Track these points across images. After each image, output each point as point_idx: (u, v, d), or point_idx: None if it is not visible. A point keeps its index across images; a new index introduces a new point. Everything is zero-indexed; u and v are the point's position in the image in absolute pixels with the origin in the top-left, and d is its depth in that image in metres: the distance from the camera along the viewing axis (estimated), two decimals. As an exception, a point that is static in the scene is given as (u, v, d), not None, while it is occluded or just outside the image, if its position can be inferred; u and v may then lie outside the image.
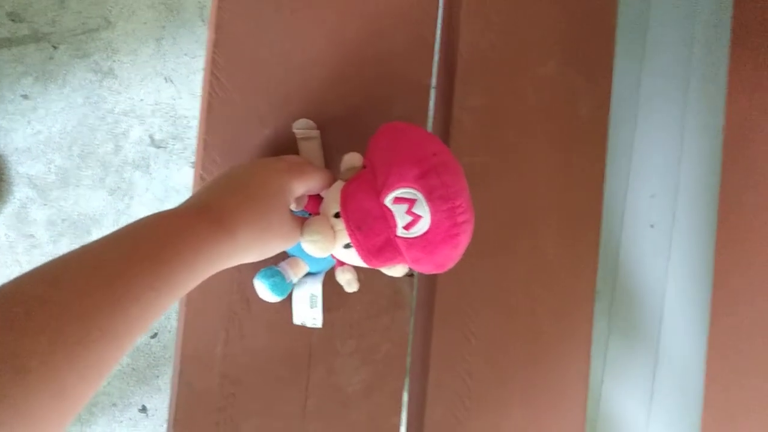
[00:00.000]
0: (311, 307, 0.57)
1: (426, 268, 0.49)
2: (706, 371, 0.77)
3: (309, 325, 0.57)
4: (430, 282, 0.65)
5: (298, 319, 0.57)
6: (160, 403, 1.32)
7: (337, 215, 0.48)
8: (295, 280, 0.54)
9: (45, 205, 1.31)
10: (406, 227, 0.46)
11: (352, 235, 0.47)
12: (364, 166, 0.50)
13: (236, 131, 0.56)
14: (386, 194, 0.46)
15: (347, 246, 0.49)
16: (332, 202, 0.49)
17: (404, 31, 0.61)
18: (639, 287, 1.10)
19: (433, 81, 0.64)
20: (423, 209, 0.45)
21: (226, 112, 0.56)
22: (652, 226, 1.12)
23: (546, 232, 0.71)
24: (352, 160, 0.50)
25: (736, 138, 0.76)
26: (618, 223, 1.14)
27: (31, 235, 1.30)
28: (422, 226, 0.46)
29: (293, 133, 0.57)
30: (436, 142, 0.49)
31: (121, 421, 1.31)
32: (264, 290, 0.52)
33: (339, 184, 0.50)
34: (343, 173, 0.50)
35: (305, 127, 0.58)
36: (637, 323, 1.09)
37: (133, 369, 1.31)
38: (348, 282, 0.54)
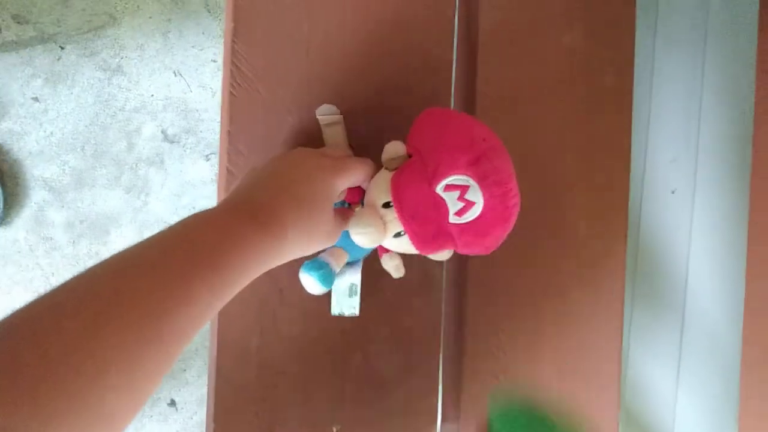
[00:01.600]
0: (350, 296, 0.57)
1: (475, 251, 0.50)
2: (743, 332, 0.76)
3: (347, 314, 0.57)
4: (459, 263, 0.64)
5: (336, 309, 0.57)
6: (189, 396, 1.33)
7: (385, 205, 0.48)
8: (337, 270, 0.54)
9: (62, 207, 1.31)
10: (458, 213, 0.46)
11: (406, 224, 0.46)
12: (408, 155, 0.49)
13: (259, 120, 0.55)
14: (438, 182, 0.46)
15: (397, 235, 0.48)
16: (380, 192, 0.48)
17: (423, 5, 0.60)
18: (662, 253, 1.09)
19: (455, 55, 0.63)
20: (476, 195, 0.46)
21: (248, 102, 0.55)
22: (673, 191, 1.11)
23: (574, 206, 0.70)
24: (395, 149, 0.49)
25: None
26: (638, 189, 1.13)
27: (50, 238, 1.31)
28: (475, 211, 0.46)
29: (317, 119, 0.56)
30: (483, 128, 0.49)
31: (151, 416, 1.32)
32: (313, 283, 0.51)
33: (384, 174, 0.49)
34: (387, 162, 0.50)
35: (328, 112, 0.57)
36: (662, 289, 1.09)
37: (161, 364, 1.32)
38: (396, 267, 0.54)
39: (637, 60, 0.75)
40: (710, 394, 1.01)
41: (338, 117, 0.57)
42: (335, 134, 0.57)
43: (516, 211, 0.49)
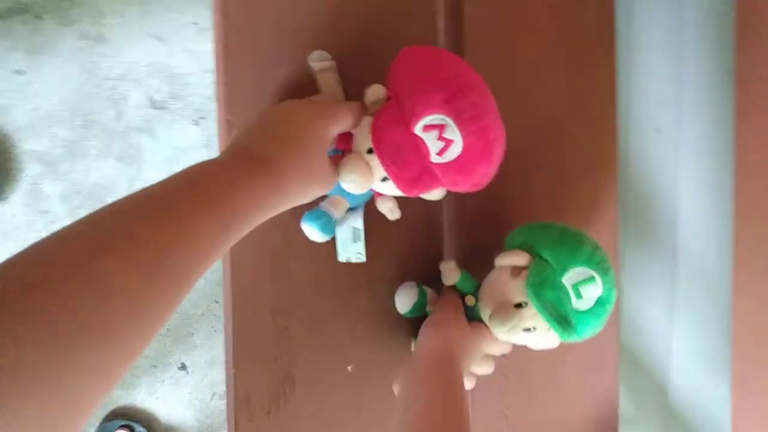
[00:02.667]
0: (354, 241, 0.58)
1: (463, 188, 0.50)
2: (734, 262, 0.78)
3: (354, 260, 0.59)
4: (458, 201, 0.65)
5: (342, 255, 0.59)
6: (198, 359, 1.36)
7: (370, 151, 0.49)
8: (338, 217, 0.55)
9: (56, 179, 1.31)
10: (440, 153, 0.46)
11: (387, 169, 0.47)
12: (388, 98, 0.50)
13: (254, 70, 0.55)
14: (415, 123, 0.46)
15: (385, 179, 0.49)
16: (363, 138, 0.49)
17: (410, -53, 0.60)
18: (651, 192, 1.11)
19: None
20: (454, 133, 0.46)
21: (241, 52, 0.55)
22: (658, 131, 1.12)
23: (566, 143, 0.71)
24: (375, 92, 0.50)
25: (748, 23, 0.75)
26: (625, 130, 1.14)
27: (47, 211, 1.31)
28: (455, 149, 0.46)
29: (309, 66, 0.56)
30: (458, 62, 0.49)
31: (163, 381, 1.35)
32: (314, 232, 0.53)
33: (367, 120, 0.50)
34: (369, 107, 0.50)
35: (320, 59, 0.57)
36: (653, 227, 1.11)
37: (168, 329, 1.34)
38: (390, 210, 0.55)
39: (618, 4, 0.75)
40: (704, 327, 1.04)
41: (330, 63, 0.57)
42: (328, 80, 0.57)
43: (499, 145, 0.49)
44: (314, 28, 0.57)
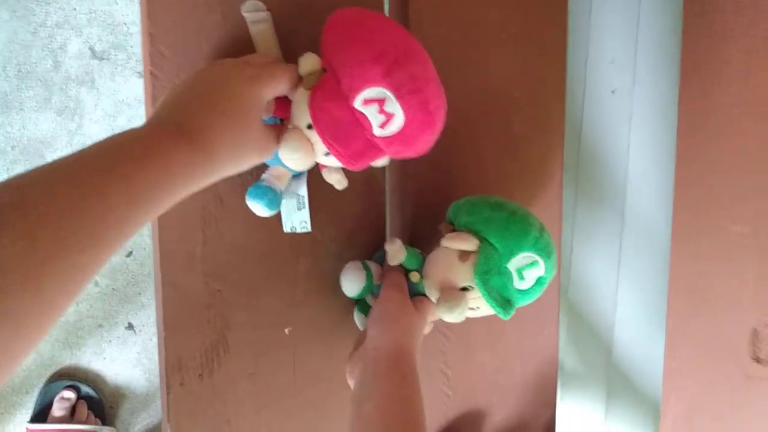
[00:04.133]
0: (299, 209, 0.57)
1: (407, 156, 0.50)
2: (673, 225, 0.80)
3: (299, 229, 0.58)
4: (403, 167, 0.64)
5: (287, 225, 0.58)
6: (146, 319, 1.34)
7: (310, 126, 0.47)
8: (282, 188, 0.54)
9: (-10, 133, 1.24)
10: (382, 126, 0.46)
11: (330, 147, 0.46)
12: (323, 69, 0.48)
13: (182, 19, 0.52)
14: (354, 97, 0.45)
15: (328, 153, 0.48)
16: (302, 113, 0.47)
17: None
18: (603, 153, 1.12)
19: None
20: (394, 106, 0.45)
21: (169, 1, 0.52)
22: (613, 91, 1.12)
23: (512, 105, 0.70)
24: (309, 63, 0.48)
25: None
26: (580, 90, 1.13)
27: (-18, 166, 1.25)
28: (397, 122, 0.45)
29: (242, 17, 0.54)
30: (394, 28, 0.47)
31: (110, 341, 1.32)
32: (260, 209, 0.52)
33: (304, 93, 0.48)
34: (305, 80, 0.48)
35: (254, 9, 0.54)
36: (603, 189, 1.12)
37: (113, 289, 1.30)
38: (338, 181, 0.54)
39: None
40: (646, 286, 1.07)
41: (265, 14, 0.54)
42: (263, 33, 0.54)
43: (441, 113, 0.48)
44: (248, -24, 0.54)
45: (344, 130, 0.46)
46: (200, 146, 0.40)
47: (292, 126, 0.49)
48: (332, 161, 0.50)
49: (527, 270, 0.54)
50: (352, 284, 0.58)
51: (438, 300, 0.54)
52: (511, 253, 0.53)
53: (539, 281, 0.55)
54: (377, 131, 0.46)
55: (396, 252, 0.57)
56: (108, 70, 1.28)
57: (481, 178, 0.68)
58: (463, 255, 0.54)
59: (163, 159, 0.37)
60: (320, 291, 0.61)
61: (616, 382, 1.18)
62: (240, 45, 0.54)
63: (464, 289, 0.54)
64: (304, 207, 0.57)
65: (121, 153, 0.36)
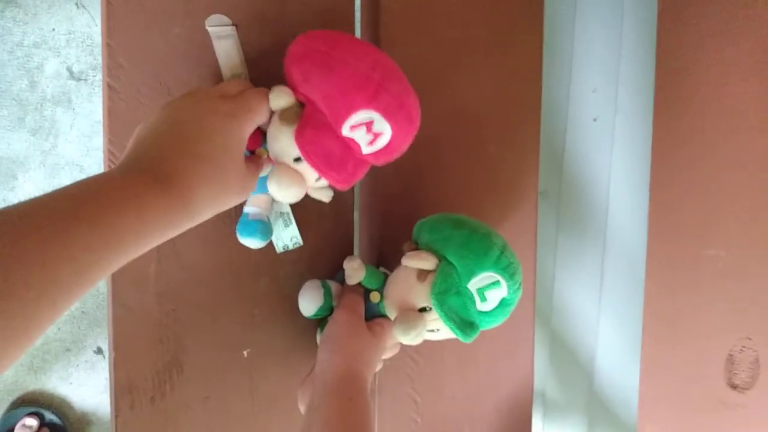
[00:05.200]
0: (286, 227, 0.57)
1: (387, 162, 0.50)
2: (647, 252, 0.79)
3: (291, 246, 0.57)
4: (372, 183, 0.63)
5: (279, 245, 0.57)
6: (118, 344, 1.30)
7: (297, 159, 0.47)
8: (268, 215, 0.54)
9: (-39, 151, 1.22)
10: (370, 144, 0.47)
11: (326, 176, 0.47)
12: (299, 101, 0.48)
13: (142, 31, 0.51)
14: (341, 126, 0.46)
15: (318, 179, 0.49)
16: (286, 148, 0.47)
17: None
18: (585, 182, 1.12)
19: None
20: (382, 125, 0.46)
21: (129, 11, 0.51)
22: (594, 119, 1.13)
23: (487, 126, 0.70)
24: (284, 99, 0.47)
25: (669, 24, 0.75)
26: (562, 118, 1.14)
27: (-49, 185, 1.22)
28: (385, 138, 0.47)
29: (206, 31, 0.53)
30: (370, 52, 0.47)
31: (77, 365, 1.28)
32: (256, 243, 0.52)
33: (281, 128, 0.47)
34: (282, 115, 0.47)
35: (220, 23, 0.53)
36: (585, 217, 1.12)
37: (83, 312, 1.27)
38: (326, 195, 0.53)
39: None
40: (627, 317, 1.06)
41: (230, 29, 0.54)
42: (227, 48, 0.54)
43: (418, 113, 0.49)
44: (212, -10, 0.53)
45: (337, 158, 0.46)
46: (176, 193, 0.38)
47: (277, 162, 0.48)
48: (321, 183, 0.50)
49: (489, 291, 0.52)
50: (309, 303, 0.56)
51: (394, 320, 0.52)
52: (471, 273, 0.52)
53: (503, 303, 0.53)
54: (366, 149, 0.47)
55: (354, 270, 0.55)
56: (85, 91, 1.26)
57: (453, 199, 0.67)
58: (422, 274, 0.53)
59: (133, 206, 0.35)
60: (280, 312, 0.59)
61: (598, 411, 1.16)
62: (204, 59, 0.53)
63: (423, 309, 0.52)
64: (291, 223, 0.57)
65: (87, 198, 0.34)
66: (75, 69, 1.26)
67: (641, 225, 1.01)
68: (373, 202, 0.64)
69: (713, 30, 0.72)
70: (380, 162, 0.49)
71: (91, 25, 1.26)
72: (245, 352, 0.57)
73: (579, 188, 1.11)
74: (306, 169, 0.48)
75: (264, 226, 0.52)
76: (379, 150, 0.48)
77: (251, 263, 0.57)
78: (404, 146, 0.49)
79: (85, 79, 1.27)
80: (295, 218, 0.57)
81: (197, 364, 0.55)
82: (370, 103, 0.45)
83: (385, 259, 0.64)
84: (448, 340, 0.56)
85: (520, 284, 0.55)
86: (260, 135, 0.49)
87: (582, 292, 1.14)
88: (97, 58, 1.27)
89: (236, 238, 0.55)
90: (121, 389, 0.52)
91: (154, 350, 0.53)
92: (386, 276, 0.58)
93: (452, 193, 0.68)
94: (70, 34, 1.26)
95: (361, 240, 0.65)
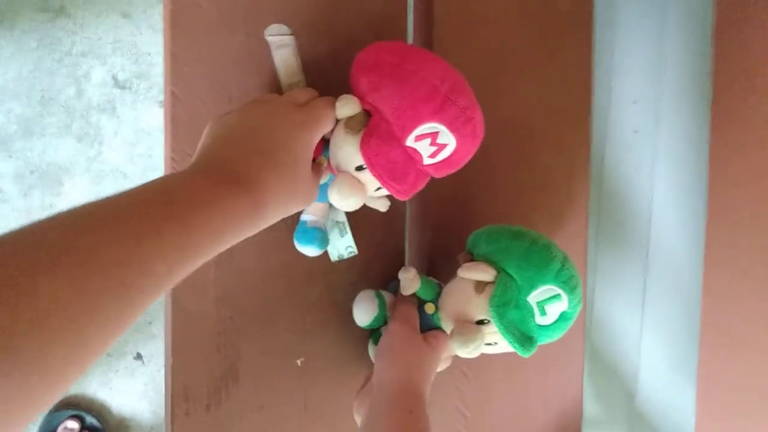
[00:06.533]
0: (341, 236, 0.56)
1: (447, 173, 0.50)
2: (704, 266, 0.77)
3: (346, 256, 0.57)
4: (423, 193, 0.62)
5: (334, 254, 0.57)
6: (155, 349, 1.31)
7: (358, 168, 0.47)
8: (325, 222, 0.54)
9: (10, 157, 1.25)
10: (432, 155, 0.47)
11: (389, 187, 0.47)
12: (365, 111, 0.48)
13: (204, 40, 0.52)
14: (407, 137, 0.46)
15: (378, 188, 0.49)
16: (349, 156, 0.47)
17: None
18: (626, 193, 1.10)
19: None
20: (447, 137, 0.46)
21: (192, 19, 0.51)
22: (635, 131, 1.11)
23: (537, 136, 0.69)
24: (351, 107, 0.47)
25: (727, 25, 0.73)
26: (602, 129, 1.12)
27: (0, 190, 1.25)
28: (448, 150, 0.47)
29: (266, 40, 0.53)
30: (438, 65, 0.47)
31: (117, 371, 1.30)
32: (314, 251, 0.53)
33: (345, 136, 0.47)
34: (348, 124, 0.47)
35: (278, 32, 0.54)
36: (626, 229, 1.09)
37: (124, 317, 1.29)
38: (383, 205, 0.54)
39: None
40: (674, 332, 1.04)
41: (289, 38, 0.54)
42: (286, 56, 0.54)
43: (482, 128, 0.49)
44: (272, -2, 0.53)
45: (400, 169, 0.46)
46: (253, 197, 0.38)
47: (339, 170, 0.48)
48: (380, 192, 0.50)
49: (549, 304, 0.51)
50: (363, 314, 0.55)
51: (452, 333, 0.51)
52: (532, 286, 0.51)
53: (563, 316, 0.52)
54: (427, 161, 0.47)
55: (410, 281, 0.55)
56: (129, 99, 1.29)
57: (503, 208, 0.66)
58: (479, 286, 0.52)
59: (219, 208, 0.36)
60: (332, 320, 0.58)
61: (640, 429, 1.13)
62: (263, 67, 0.53)
63: (480, 322, 0.51)
64: (346, 233, 0.57)
65: (178, 197, 0.34)
66: (120, 77, 1.29)
67: (687, 238, 0.99)
68: (423, 211, 0.64)
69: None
70: (440, 174, 0.49)
71: (135, 34, 1.29)
72: (299, 361, 0.57)
73: (619, 200, 1.09)
74: (367, 178, 0.47)
75: (322, 234, 0.53)
76: (440, 161, 0.47)
77: (304, 270, 0.57)
78: (466, 159, 0.49)
79: (130, 87, 1.29)
80: (350, 226, 0.57)
81: (252, 372, 0.55)
82: (437, 115, 0.45)
83: (435, 269, 0.64)
84: (498, 354, 0.55)
85: (580, 299, 0.53)
86: (322, 143, 0.49)
87: (623, 307, 1.12)
88: (141, 66, 1.29)
89: (290, 244, 0.55)
90: (178, 396, 0.52)
91: (212, 357, 0.53)
92: (440, 287, 0.57)
93: (502, 203, 0.67)
94: (116, 42, 1.28)
95: (411, 249, 0.64)
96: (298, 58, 0.54)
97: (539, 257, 0.52)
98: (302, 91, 0.49)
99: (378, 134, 0.46)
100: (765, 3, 0.70)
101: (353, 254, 0.57)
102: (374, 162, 0.45)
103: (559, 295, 0.51)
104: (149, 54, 1.29)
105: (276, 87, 0.54)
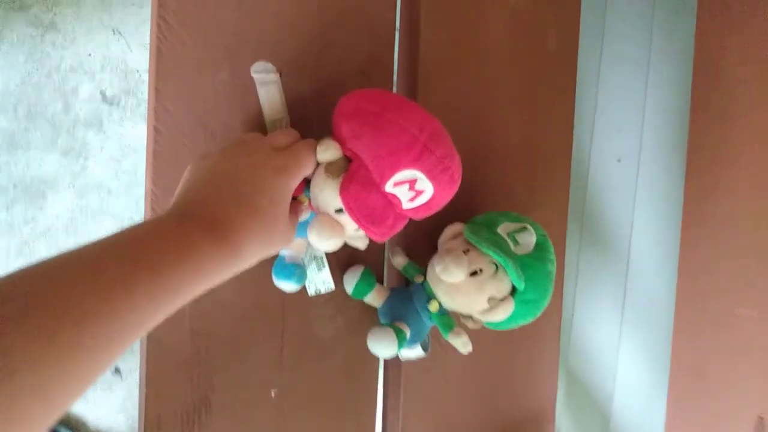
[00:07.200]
0: (319, 270, 0.57)
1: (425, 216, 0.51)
2: (677, 294, 0.79)
3: (323, 290, 0.58)
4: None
5: (311, 289, 0.58)
6: (134, 364, 1.31)
7: (338, 211, 0.48)
8: (304, 258, 0.55)
9: (-7, 170, 1.24)
10: (411, 200, 0.48)
11: (367, 231, 0.48)
12: (346, 157, 0.49)
13: (189, 76, 0.53)
14: (385, 183, 0.47)
15: (357, 229, 0.50)
16: (328, 199, 0.48)
17: (362, -37, 0.58)
18: (607, 222, 1.12)
19: (398, 14, 0.62)
20: (425, 184, 0.47)
21: (177, 56, 0.52)
22: (619, 160, 1.13)
23: (516, 172, 0.70)
24: (331, 152, 0.48)
25: (706, 60, 0.76)
26: (585, 158, 1.14)
27: (-18, 203, 1.25)
28: (426, 195, 0.48)
29: (251, 77, 0.54)
30: (417, 113, 0.49)
31: (95, 384, 1.29)
32: (291, 286, 0.54)
33: (326, 180, 0.48)
34: (328, 168, 0.48)
35: (264, 70, 0.55)
36: (606, 256, 1.11)
37: (103, 333, 1.28)
38: (362, 242, 0.54)
39: (586, 27, 0.75)
40: (650, 357, 1.05)
41: (274, 76, 0.55)
42: (271, 94, 0.55)
43: (460, 174, 0.50)
44: (258, 35, 0.55)
45: (379, 214, 0.47)
46: (229, 243, 0.39)
47: (319, 211, 0.49)
48: (359, 233, 0.51)
49: (519, 234, 0.56)
50: (386, 349, 0.56)
51: (444, 259, 0.53)
52: (496, 223, 0.57)
53: (539, 247, 0.56)
54: (406, 205, 0.48)
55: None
56: (117, 115, 1.29)
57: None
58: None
59: (192, 256, 0.36)
60: (307, 353, 0.59)
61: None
62: (246, 104, 0.54)
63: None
64: (324, 267, 0.58)
65: (148, 246, 0.35)
66: (108, 93, 1.29)
67: (665, 266, 1.01)
68: (402, 243, 0.65)
69: (749, 76, 0.73)
70: (419, 216, 0.50)
71: (125, 51, 1.30)
72: (273, 392, 0.58)
73: (601, 229, 1.11)
74: (347, 220, 0.48)
75: (301, 270, 0.54)
76: (419, 206, 0.49)
77: (281, 303, 0.58)
78: (444, 203, 0.50)
79: (117, 104, 1.29)
80: (327, 261, 0.58)
81: (225, 403, 0.55)
82: (415, 163, 0.46)
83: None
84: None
85: (545, 233, 0.58)
86: (304, 182, 0.50)
87: (601, 333, 1.13)
88: (130, 83, 1.30)
89: (267, 277, 0.55)
90: (150, 426, 0.52)
91: (186, 388, 0.54)
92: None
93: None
94: (105, 59, 1.29)
95: (389, 280, 0.65)
96: (282, 95, 0.55)
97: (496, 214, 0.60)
98: (284, 134, 0.49)
99: (357, 180, 0.47)
100: (740, 56, 0.72)
101: (330, 290, 0.58)
102: (353, 207, 0.47)
103: (525, 227, 0.57)
104: (138, 71, 1.30)
105: (259, 124, 0.55)
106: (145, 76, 1.30)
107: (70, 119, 1.27)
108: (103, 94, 1.29)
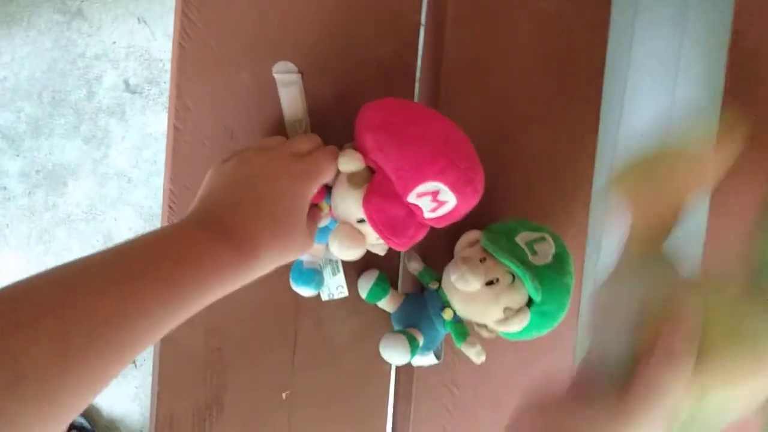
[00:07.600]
0: (333, 275, 0.57)
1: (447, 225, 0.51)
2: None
3: (337, 296, 0.58)
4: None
5: (325, 293, 0.58)
6: (148, 354, 1.31)
7: (360, 221, 0.48)
8: (321, 263, 0.55)
9: (17, 155, 1.26)
10: (433, 210, 0.48)
11: (389, 241, 0.48)
12: (368, 167, 0.48)
13: (210, 75, 0.52)
14: (408, 194, 0.46)
15: (378, 238, 0.49)
16: (350, 209, 0.48)
17: (389, -37, 0.57)
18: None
19: (423, 16, 0.61)
20: (448, 195, 0.47)
21: (199, 55, 0.52)
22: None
23: (539, 177, 0.69)
24: (354, 163, 0.48)
25: (736, 79, 0.74)
26: (608, 162, 1.12)
27: (4, 188, 1.26)
28: (448, 206, 0.48)
29: (272, 77, 0.54)
30: (442, 124, 0.48)
31: (110, 372, 1.30)
32: (309, 291, 0.54)
33: (349, 191, 0.48)
34: (351, 179, 0.48)
35: (285, 70, 0.54)
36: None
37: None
38: (381, 249, 0.54)
39: (614, 32, 0.74)
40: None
41: (296, 76, 0.55)
42: (292, 95, 0.54)
43: (483, 185, 0.49)
44: (280, 35, 0.54)
45: (400, 224, 0.47)
46: (246, 251, 0.39)
47: (340, 220, 0.49)
48: (380, 240, 0.50)
49: (537, 244, 0.54)
50: (399, 355, 0.55)
51: (459, 266, 0.52)
52: (515, 232, 0.55)
53: (559, 258, 0.54)
54: (428, 215, 0.48)
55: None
56: (139, 104, 1.30)
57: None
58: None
59: (208, 263, 0.36)
60: (320, 355, 0.59)
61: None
62: (266, 106, 0.54)
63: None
64: (338, 272, 0.57)
65: (164, 252, 0.35)
66: (131, 82, 1.30)
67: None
68: (418, 248, 0.64)
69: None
70: (440, 225, 0.49)
71: (150, 40, 1.30)
72: (284, 394, 0.57)
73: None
74: (368, 230, 0.48)
75: (319, 276, 0.54)
76: (441, 216, 0.48)
77: (294, 305, 0.57)
78: (466, 213, 0.50)
79: (140, 92, 1.30)
80: (342, 265, 0.57)
81: (237, 404, 0.55)
82: (439, 176, 0.45)
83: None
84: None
85: (564, 244, 0.56)
86: (325, 189, 0.50)
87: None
88: (153, 72, 1.30)
89: (282, 279, 0.55)
90: (162, 425, 0.52)
91: (199, 388, 0.54)
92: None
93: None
94: (129, 47, 1.29)
95: (404, 285, 0.65)
96: (303, 96, 0.55)
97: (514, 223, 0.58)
98: (305, 140, 0.49)
99: (381, 192, 0.46)
100: None
101: (343, 295, 0.57)
102: (376, 218, 0.46)
103: (543, 237, 0.55)
104: (161, 61, 1.31)
105: (279, 126, 0.54)
106: (168, 66, 1.30)
107: (93, 107, 1.28)
108: (126, 83, 1.30)
